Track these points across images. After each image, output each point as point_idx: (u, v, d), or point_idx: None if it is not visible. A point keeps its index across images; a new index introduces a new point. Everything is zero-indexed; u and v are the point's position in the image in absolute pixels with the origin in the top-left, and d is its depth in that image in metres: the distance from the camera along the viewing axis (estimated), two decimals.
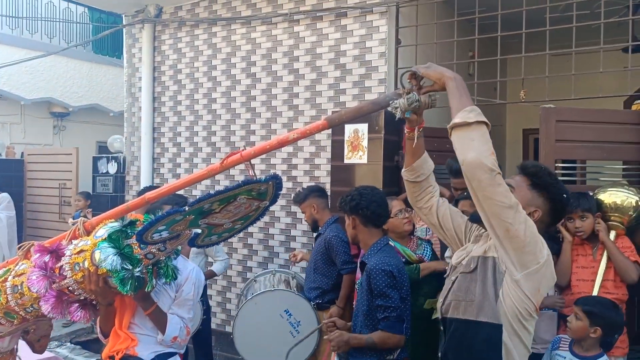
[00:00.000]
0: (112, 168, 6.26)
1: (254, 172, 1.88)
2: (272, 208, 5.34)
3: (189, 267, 2.59)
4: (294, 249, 5.12)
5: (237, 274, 5.42)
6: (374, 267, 2.52)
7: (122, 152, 6.34)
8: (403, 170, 2.06)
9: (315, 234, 4.10)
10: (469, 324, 1.72)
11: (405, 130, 1.94)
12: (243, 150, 1.90)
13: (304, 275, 4.20)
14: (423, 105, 1.79)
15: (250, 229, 5.31)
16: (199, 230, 2.03)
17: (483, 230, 1.96)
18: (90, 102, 10.09)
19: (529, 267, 1.67)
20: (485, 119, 1.65)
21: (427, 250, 3.25)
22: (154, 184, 5.87)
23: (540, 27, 4.06)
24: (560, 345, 2.77)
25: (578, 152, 3.88)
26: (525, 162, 1.98)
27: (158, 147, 6.05)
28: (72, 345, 6.06)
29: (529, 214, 1.75)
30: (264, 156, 5.17)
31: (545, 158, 3.75)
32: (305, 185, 4.95)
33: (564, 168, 3.88)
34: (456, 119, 1.65)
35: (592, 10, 4.50)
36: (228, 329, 5.28)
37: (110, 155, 6.38)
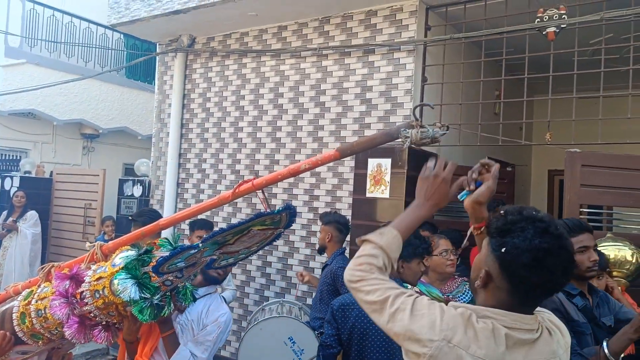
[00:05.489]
0: (137, 191, 6.37)
1: (267, 201, 1.91)
2: (292, 239, 5.35)
3: (221, 311, 2.55)
4: None
5: (254, 303, 5.41)
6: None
7: (147, 176, 6.45)
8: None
9: (322, 265, 4.19)
10: None
11: (472, 228, 1.62)
12: (254, 179, 1.93)
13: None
14: (431, 140, 1.70)
15: (269, 259, 5.38)
16: (215, 257, 2.06)
17: None
18: (120, 125, 10.34)
19: None
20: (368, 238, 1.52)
21: (467, 294, 3.00)
22: (177, 209, 5.96)
23: (567, 71, 4.05)
24: None
25: (604, 198, 3.81)
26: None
27: (183, 173, 6.15)
28: None
29: None
30: (286, 186, 5.21)
31: (569, 203, 3.71)
32: None
33: (589, 214, 3.81)
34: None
35: (621, 55, 4.50)
36: None
37: (136, 178, 6.50)
